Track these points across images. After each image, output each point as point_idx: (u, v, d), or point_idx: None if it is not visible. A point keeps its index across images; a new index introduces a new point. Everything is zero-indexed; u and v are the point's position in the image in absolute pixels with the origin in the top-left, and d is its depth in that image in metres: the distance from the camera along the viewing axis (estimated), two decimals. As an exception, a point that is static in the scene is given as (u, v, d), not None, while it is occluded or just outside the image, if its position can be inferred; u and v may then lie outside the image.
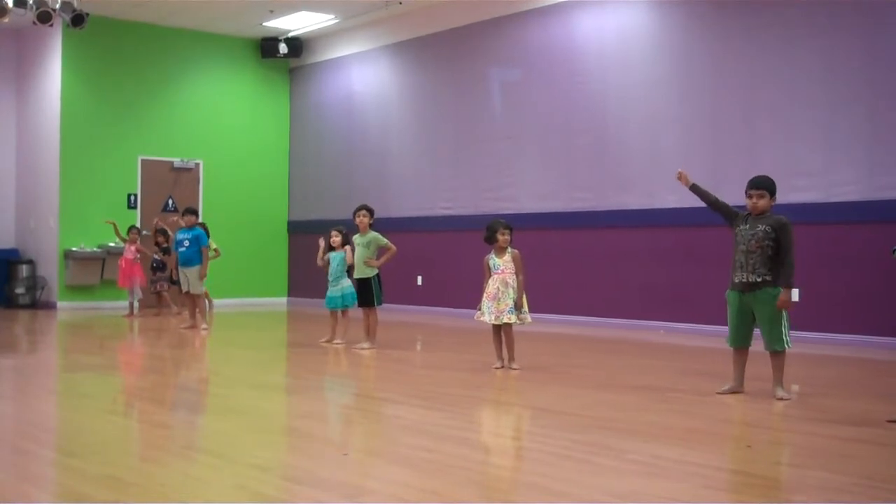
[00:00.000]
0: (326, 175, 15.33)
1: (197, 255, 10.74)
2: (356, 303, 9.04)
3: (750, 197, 5.98)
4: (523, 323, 7.30)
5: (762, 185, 5.98)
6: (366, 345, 8.59)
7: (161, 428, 5.13)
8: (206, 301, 11.77)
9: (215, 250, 12.18)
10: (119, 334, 10.90)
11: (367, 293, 8.65)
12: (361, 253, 8.59)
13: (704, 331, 9.91)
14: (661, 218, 10.73)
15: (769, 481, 4.03)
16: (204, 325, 10.76)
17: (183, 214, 11.08)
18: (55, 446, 4.76)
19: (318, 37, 15.35)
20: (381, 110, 14.45)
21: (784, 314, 5.88)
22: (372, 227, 8.70)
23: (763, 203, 5.94)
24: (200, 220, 12.35)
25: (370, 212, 8.70)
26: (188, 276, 10.75)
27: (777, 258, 5.88)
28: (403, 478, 3.97)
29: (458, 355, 8.39)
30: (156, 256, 13.04)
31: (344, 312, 9.15)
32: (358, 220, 8.65)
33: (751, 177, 6.12)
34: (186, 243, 10.74)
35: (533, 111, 12.17)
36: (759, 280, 5.88)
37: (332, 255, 9.06)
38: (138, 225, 13.72)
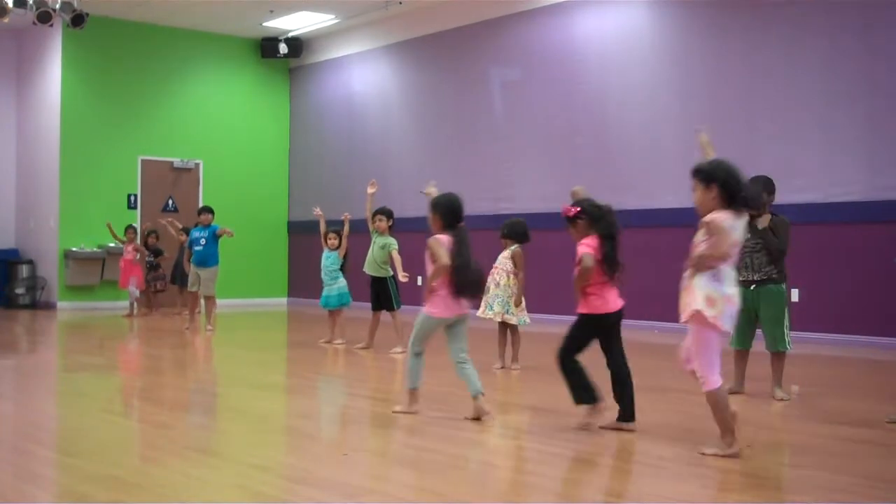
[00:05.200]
0: (326, 175, 15.32)
1: (212, 255, 10.63)
2: (350, 302, 9.05)
3: None
4: (520, 323, 7.30)
5: (760, 183, 6.01)
6: (398, 349, 8.49)
7: (161, 428, 5.13)
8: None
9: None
10: (119, 334, 10.90)
11: (385, 296, 8.60)
12: (377, 253, 8.56)
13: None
14: (661, 218, 10.72)
15: (769, 481, 4.03)
16: (209, 327, 10.64)
17: (199, 213, 11.00)
18: (55, 446, 4.76)
19: (318, 37, 15.35)
20: (381, 110, 14.45)
21: (786, 316, 5.91)
22: (392, 228, 8.64)
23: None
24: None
25: (386, 215, 8.64)
26: (201, 276, 10.63)
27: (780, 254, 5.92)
28: (403, 478, 3.97)
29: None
30: (147, 258, 13.05)
31: (339, 312, 9.16)
32: (374, 225, 8.61)
33: (751, 177, 6.13)
34: (203, 241, 10.57)
35: (533, 111, 12.16)
36: (764, 278, 5.90)
37: (325, 254, 9.07)
38: (136, 225, 13.69)
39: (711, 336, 4.23)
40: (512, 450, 4.78)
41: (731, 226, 4.21)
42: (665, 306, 10.80)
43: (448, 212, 5.36)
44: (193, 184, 15.18)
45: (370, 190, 8.63)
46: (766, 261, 5.89)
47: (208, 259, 10.61)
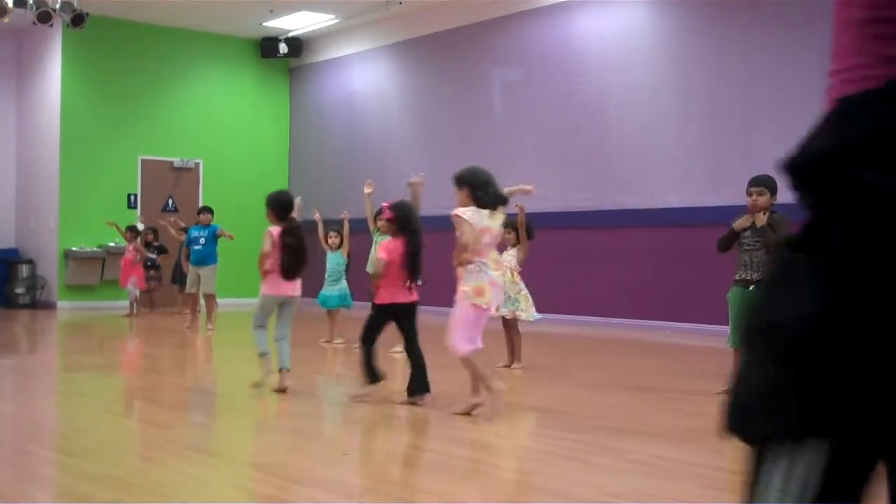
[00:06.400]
0: (326, 175, 15.31)
1: (212, 254, 10.66)
2: (352, 304, 9.04)
3: (750, 195, 6.00)
4: (530, 318, 7.33)
5: (762, 183, 5.99)
6: (398, 348, 8.50)
7: (161, 428, 5.13)
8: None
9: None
10: (119, 334, 10.90)
11: None
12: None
13: (705, 331, 9.90)
14: (661, 218, 10.72)
15: (769, 481, 4.03)
16: (209, 326, 10.61)
17: (199, 213, 11.03)
18: (55, 446, 4.76)
19: (318, 37, 15.35)
20: (381, 110, 14.45)
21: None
22: None
23: (763, 200, 5.95)
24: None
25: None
26: (201, 276, 10.63)
27: None
28: (404, 478, 3.97)
29: (458, 355, 8.37)
30: (149, 255, 13.05)
31: (337, 311, 9.16)
32: (379, 223, 8.63)
33: (751, 176, 6.13)
34: (202, 241, 10.59)
35: (533, 111, 12.16)
36: (761, 277, 5.90)
37: (329, 255, 9.07)
38: (137, 225, 13.71)
39: (469, 313, 5.19)
40: (512, 450, 4.78)
41: (472, 217, 5.20)
42: (664, 305, 10.87)
43: (278, 206, 6.20)
44: (193, 184, 15.17)
45: (367, 190, 8.63)
46: (765, 259, 5.89)
47: (208, 258, 10.63)
